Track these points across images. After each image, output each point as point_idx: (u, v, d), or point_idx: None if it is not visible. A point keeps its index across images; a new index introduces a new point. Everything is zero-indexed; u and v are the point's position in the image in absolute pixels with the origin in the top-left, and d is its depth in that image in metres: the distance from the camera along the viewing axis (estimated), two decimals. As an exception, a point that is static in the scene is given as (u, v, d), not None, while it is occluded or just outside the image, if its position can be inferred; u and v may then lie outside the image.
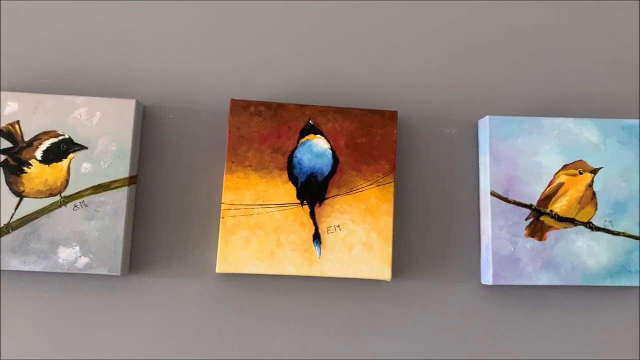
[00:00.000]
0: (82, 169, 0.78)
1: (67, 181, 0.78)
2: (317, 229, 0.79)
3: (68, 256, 0.76)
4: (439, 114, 0.87)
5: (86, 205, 0.77)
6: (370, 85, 0.87)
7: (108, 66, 0.85)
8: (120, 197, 0.78)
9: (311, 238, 0.79)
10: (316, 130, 0.81)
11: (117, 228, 0.77)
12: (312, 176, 0.80)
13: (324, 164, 0.81)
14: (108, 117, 0.79)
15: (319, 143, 0.81)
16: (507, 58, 0.89)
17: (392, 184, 0.81)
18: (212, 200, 0.82)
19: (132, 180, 0.80)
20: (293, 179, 0.80)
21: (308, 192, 0.80)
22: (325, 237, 0.79)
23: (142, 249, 0.81)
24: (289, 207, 0.79)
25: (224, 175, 0.79)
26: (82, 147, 0.79)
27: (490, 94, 0.88)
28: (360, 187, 0.81)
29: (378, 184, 0.81)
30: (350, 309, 0.82)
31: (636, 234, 0.82)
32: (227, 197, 0.78)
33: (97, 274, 0.77)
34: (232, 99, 0.81)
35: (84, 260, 0.77)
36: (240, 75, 0.86)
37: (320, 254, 0.79)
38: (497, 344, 0.82)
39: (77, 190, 0.78)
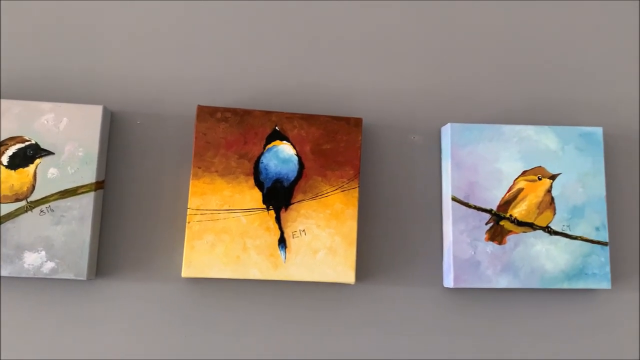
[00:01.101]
0: (48, 174, 0.79)
1: (33, 186, 0.78)
2: (282, 233, 0.81)
3: (34, 261, 0.77)
4: (404, 121, 0.89)
5: (52, 210, 0.78)
6: (335, 92, 0.88)
7: (76, 72, 0.86)
8: (86, 202, 0.79)
9: (277, 242, 0.80)
10: (282, 137, 0.83)
11: (84, 233, 0.78)
12: (278, 181, 0.82)
13: (290, 169, 0.82)
14: (75, 123, 0.80)
15: (285, 149, 0.83)
16: (470, 66, 0.91)
17: (357, 189, 0.82)
18: (179, 205, 0.83)
19: (99, 185, 0.80)
20: (259, 184, 0.81)
21: (274, 197, 0.81)
22: (290, 241, 0.81)
23: (109, 253, 0.82)
24: (255, 212, 0.81)
25: (190, 181, 0.80)
26: (48, 153, 0.79)
27: (454, 102, 0.90)
28: (325, 192, 0.82)
29: (343, 190, 0.82)
30: (315, 312, 0.83)
31: (593, 238, 0.84)
32: (193, 202, 0.79)
33: (63, 278, 0.78)
34: (198, 105, 0.82)
35: (49, 265, 0.77)
36: (208, 81, 0.87)
37: (285, 258, 0.80)
38: (458, 345, 0.84)
39: (43, 196, 0.78)
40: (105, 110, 0.82)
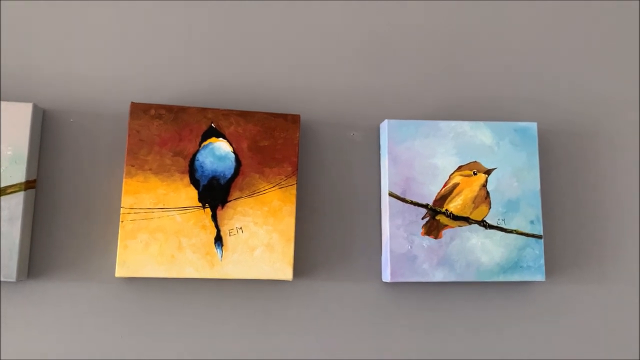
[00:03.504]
0: (-25, 174, 0.77)
1: (-41, 186, 0.76)
2: (219, 231, 0.80)
3: (-40, 263, 0.75)
4: (342, 117, 0.89)
5: (-21, 211, 0.76)
6: (273, 89, 0.88)
7: (5, 69, 0.83)
8: (16, 202, 0.77)
9: (213, 241, 0.80)
10: (218, 134, 0.82)
11: (13, 233, 0.76)
12: (214, 179, 0.81)
13: (227, 166, 0.82)
14: (4, 121, 0.78)
15: (222, 146, 0.82)
16: (407, 64, 0.92)
17: (295, 186, 0.82)
18: (113, 204, 0.81)
19: (29, 184, 0.79)
20: (195, 182, 0.81)
21: (210, 195, 0.81)
22: (227, 239, 0.80)
23: (41, 254, 0.80)
24: (190, 211, 0.80)
25: (123, 179, 0.79)
26: (-25, 152, 0.77)
27: (392, 98, 0.90)
28: (262, 189, 0.82)
29: (280, 186, 0.82)
30: (253, 310, 0.83)
31: (528, 231, 0.85)
32: (126, 201, 0.78)
33: (-9, 280, 0.76)
34: (132, 102, 0.80)
35: (-23, 267, 0.75)
36: (142, 78, 0.86)
37: (222, 256, 0.80)
38: (396, 339, 0.85)
39: (-30, 196, 0.76)
40: (35, 108, 0.80)
